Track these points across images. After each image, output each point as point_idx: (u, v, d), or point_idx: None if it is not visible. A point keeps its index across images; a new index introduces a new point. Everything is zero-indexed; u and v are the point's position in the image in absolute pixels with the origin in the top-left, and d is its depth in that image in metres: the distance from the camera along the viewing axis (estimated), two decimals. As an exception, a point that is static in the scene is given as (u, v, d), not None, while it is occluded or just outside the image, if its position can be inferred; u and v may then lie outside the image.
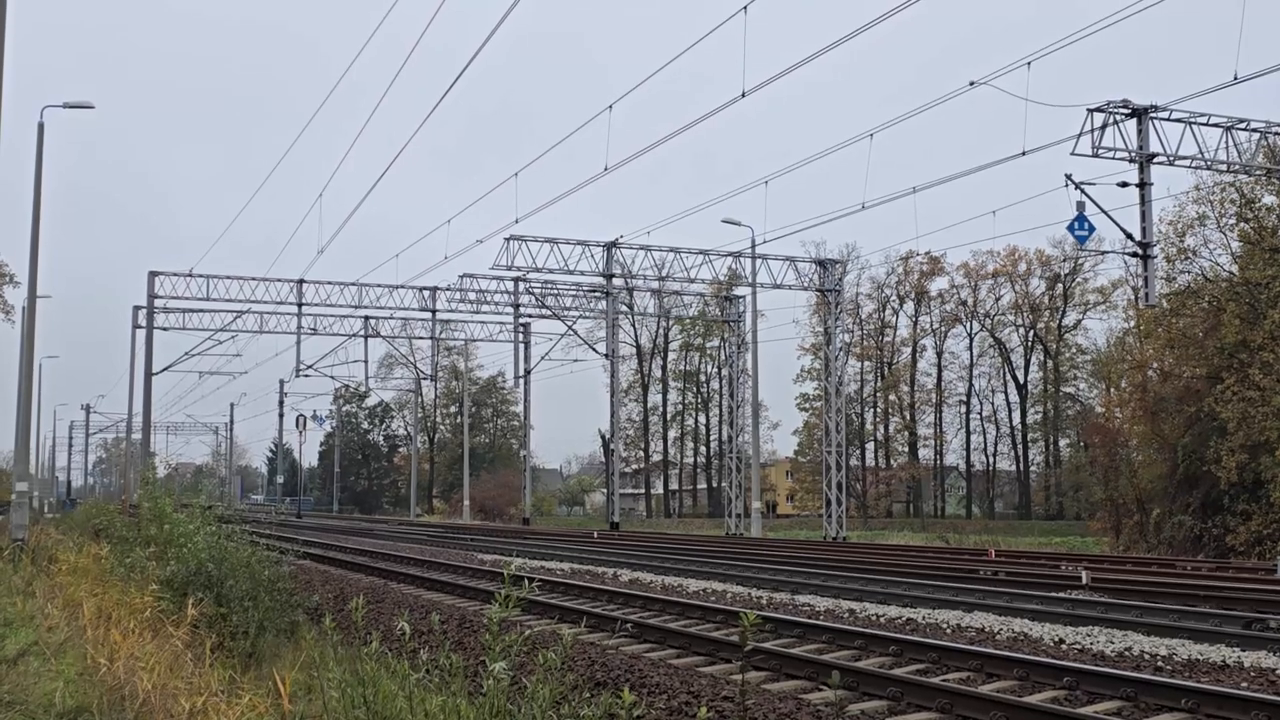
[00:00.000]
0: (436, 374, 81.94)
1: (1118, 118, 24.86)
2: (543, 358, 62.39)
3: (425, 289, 56.11)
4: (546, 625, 13.53)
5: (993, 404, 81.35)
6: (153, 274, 53.90)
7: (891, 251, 77.04)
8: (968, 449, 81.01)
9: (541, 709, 5.49)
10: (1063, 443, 78.90)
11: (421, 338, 66.38)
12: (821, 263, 49.57)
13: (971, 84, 24.16)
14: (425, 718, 5.81)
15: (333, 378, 67.40)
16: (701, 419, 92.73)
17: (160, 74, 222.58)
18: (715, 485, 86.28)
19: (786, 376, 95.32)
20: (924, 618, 14.41)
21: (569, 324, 54.45)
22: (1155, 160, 25.13)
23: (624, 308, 55.06)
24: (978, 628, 13.45)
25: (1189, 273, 40.56)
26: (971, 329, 79.85)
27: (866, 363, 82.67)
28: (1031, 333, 78.79)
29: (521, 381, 62.32)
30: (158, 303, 54.41)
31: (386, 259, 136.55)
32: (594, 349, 61.06)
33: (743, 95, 23.10)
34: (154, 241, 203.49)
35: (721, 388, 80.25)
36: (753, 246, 43.30)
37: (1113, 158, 24.86)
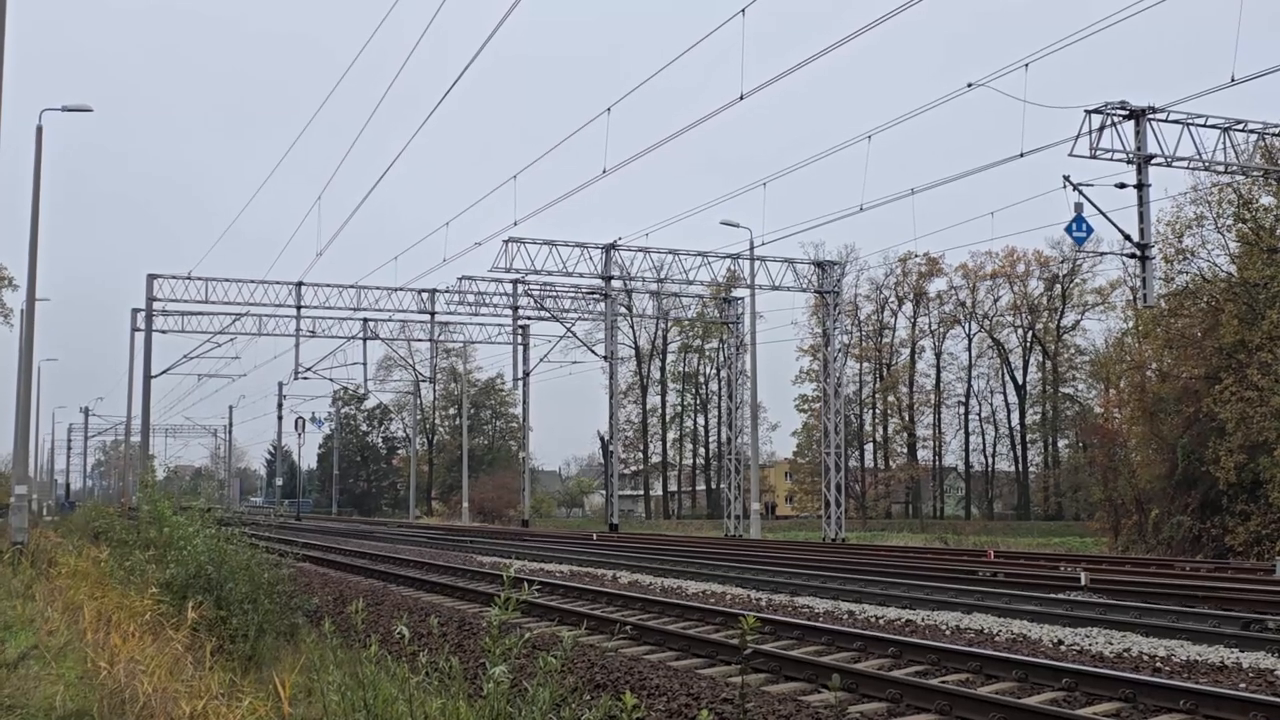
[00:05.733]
0: (435, 376, 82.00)
1: (1115, 119, 24.88)
2: (541, 360, 62.47)
3: (424, 291, 56.17)
4: (546, 628, 13.55)
5: (991, 405, 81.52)
6: (151, 276, 53.89)
7: (890, 253, 77.29)
8: (966, 450, 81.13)
9: (542, 712, 5.50)
10: (1061, 443, 78.97)
11: (420, 340, 66.42)
12: (820, 264, 49.60)
13: (969, 85, 24.23)
14: (425, 720, 5.81)
15: (331, 380, 67.41)
16: (700, 420, 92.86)
17: (159, 75, 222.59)
18: (714, 487, 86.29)
19: (785, 378, 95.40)
20: (923, 619, 14.43)
21: (568, 326, 54.51)
22: (1153, 161, 25.15)
23: (623, 310, 55.11)
24: (977, 629, 13.46)
25: (1187, 273, 40.63)
26: (970, 330, 79.95)
27: (865, 364, 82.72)
28: (1030, 333, 78.83)
29: (520, 383, 62.34)
30: (156, 305, 54.40)
31: (385, 261, 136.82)
32: (593, 351, 61.14)
33: (741, 98, 23.15)
34: (153, 244, 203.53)
35: (720, 389, 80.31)
36: (751, 248, 43.36)
37: (1110, 159, 24.89)
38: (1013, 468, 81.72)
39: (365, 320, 59.71)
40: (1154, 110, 25.25)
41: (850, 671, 9.79)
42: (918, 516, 77.61)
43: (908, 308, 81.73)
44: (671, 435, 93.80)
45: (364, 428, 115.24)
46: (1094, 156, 24.70)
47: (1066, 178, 24.84)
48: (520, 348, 60.37)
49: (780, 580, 19.92)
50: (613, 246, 46.18)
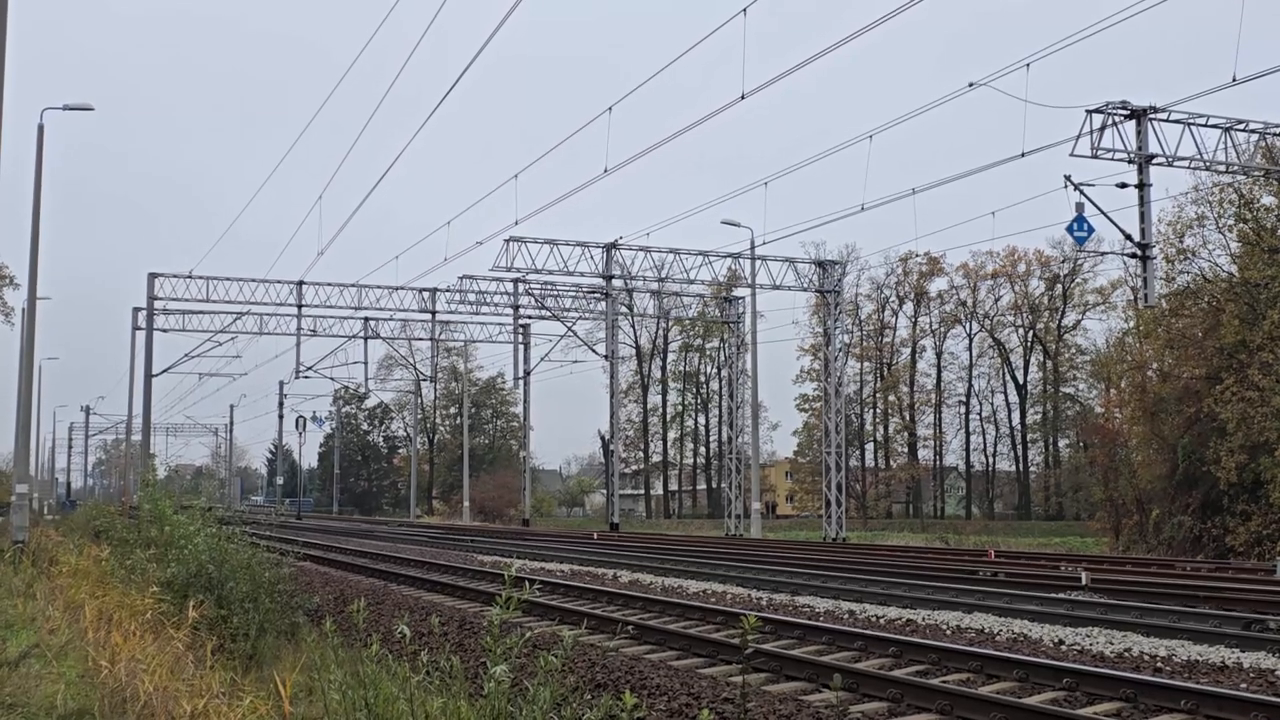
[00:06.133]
0: (436, 375, 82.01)
1: (1117, 119, 24.86)
2: (542, 359, 62.45)
3: (425, 290, 56.17)
4: (547, 627, 13.55)
5: (992, 404, 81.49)
6: (152, 275, 53.88)
7: (891, 252, 77.23)
8: (967, 449, 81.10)
9: (542, 711, 5.50)
10: (1062, 443, 78.95)
11: (421, 339, 66.47)
12: (821, 264, 49.60)
13: (971, 85, 24.20)
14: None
15: (332, 379, 67.38)
16: (701, 420, 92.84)
17: (159, 75, 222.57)
18: (715, 486, 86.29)
19: (786, 377, 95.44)
20: (924, 619, 14.43)
21: (568, 325, 54.51)
22: (1154, 161, 25.13)
23: (623, 309, 55.08)
24: (977, 629, 13.46)
25: (1188, 273, 40.61)
26: (971, 329, 79.94)
27: (866, 363, 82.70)
28: (1031, 333, 78.81)
29: (521, 382, 62.34)
30: (157, 304, 54.39)
31: (386, 260, 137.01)
32: (593, 350, 61.12)
33: (742, 97, 23.12)
34: (153, 244, 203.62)
35: (721, 388, 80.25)
36: (752, 247, 43.36)
37: (1112, 159, 24.87)
38: (1013, 467, 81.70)
39: (366, 319, 59.75)
40: (1155, 110, 25.23)
41: (851, 671, 9.79)
42: (918, 516, 77.60)
43: (908, 307, 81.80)
44: (672, 434, 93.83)
45: (365, 427, 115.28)
46: (1095, 156, 24.69)
47: (1068, 177, 24.83)
48: (521, 347, 60.34)
49: (781, 580, 19.92)
50: (614, 246, 46.18)
